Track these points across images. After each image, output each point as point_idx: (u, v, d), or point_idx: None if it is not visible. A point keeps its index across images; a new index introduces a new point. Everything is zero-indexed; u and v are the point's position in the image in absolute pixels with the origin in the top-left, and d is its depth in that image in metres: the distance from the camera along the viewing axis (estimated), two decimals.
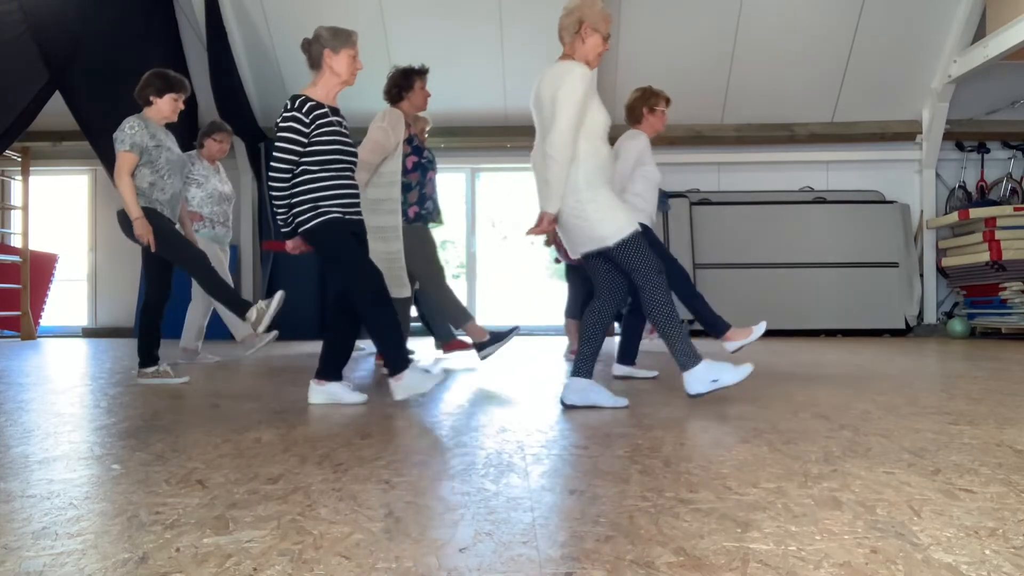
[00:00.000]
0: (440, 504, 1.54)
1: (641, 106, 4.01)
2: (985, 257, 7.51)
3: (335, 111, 3.04)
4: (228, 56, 8.19)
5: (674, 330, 2.91)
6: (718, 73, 8.41)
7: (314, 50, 3.00)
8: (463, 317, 4.29)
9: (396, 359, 2.96)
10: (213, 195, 5.15)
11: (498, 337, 4.25)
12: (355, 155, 3.06)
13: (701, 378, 2.92)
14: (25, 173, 8.71)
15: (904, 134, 8.74)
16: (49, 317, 9.05)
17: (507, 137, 8.84)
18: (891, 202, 8.58)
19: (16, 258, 8.39)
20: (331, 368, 3.09)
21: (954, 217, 7.96)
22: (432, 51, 8.17)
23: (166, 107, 3.97)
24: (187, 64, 8.42)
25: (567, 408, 2.90)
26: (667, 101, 4.05)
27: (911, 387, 3.50)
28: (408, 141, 4.11)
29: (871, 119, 8.77)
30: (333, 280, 3.10)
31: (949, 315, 8.69)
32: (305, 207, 2.96)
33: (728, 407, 2.88)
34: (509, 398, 3.25)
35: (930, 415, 2.66)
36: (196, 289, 5.13)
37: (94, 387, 3.73)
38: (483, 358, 4.35)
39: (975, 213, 7.70)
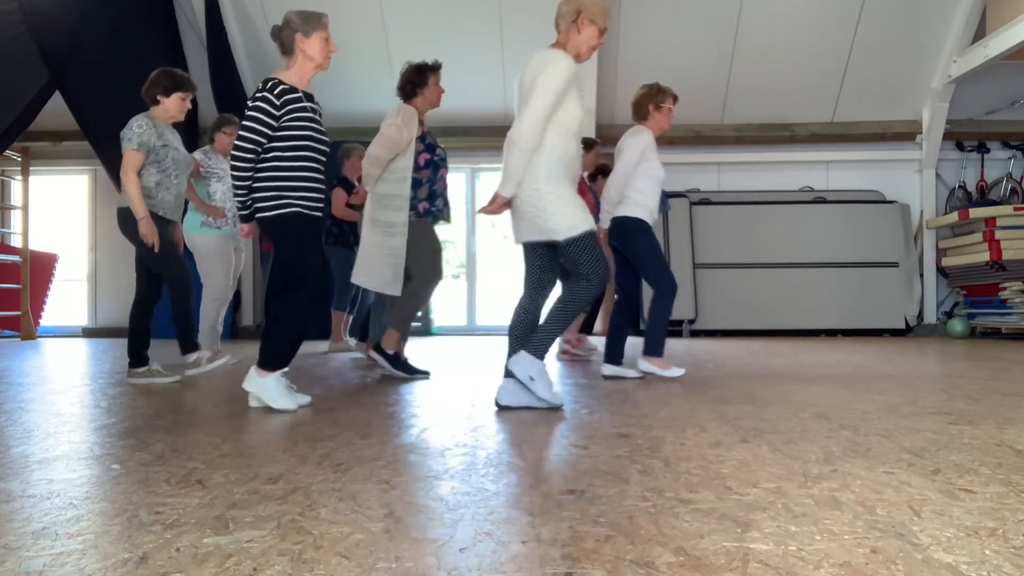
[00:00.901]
0: (440, 504, 1.54)
1: (647, 103, 3.99)
2: (985, 257, 7.51)
3: (309, 97, 2.94)
4: (228, 56, 8.20)
5: (557, 330, 2.88)
6: (718, 73, 8.41)
7: (285, 35, 2.92)
8: (399, 324, 4.10)
9: (275, 358, 2.87)
10: (230, 192, 5.13)
11: (403, 367, 4.07)
12: (327, 145, 2.97)
13: (526, 367, 2.84)
14: (25, 173, 8.71)
15: (904, 134, 8.74)
16: (49, 317, 9.05)
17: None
18: (891, 202, 8.58)
19: (16, 258, 8.39)
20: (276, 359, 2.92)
21: (954, 217, 7.96)
22: (432, 51, 8.15)
23: (173, 106, 3.95)
24: (187, 64, 8.42)
25: (501, 409, 2.88)
26: (674, 99, 4.03)
27: (911, 387, 3.50)
28: (421, 138, 4.09)
29: (871, 119, 8.78)
30: (273, 271, 3.00)
31: (949, 315, 8.69)
32: (268, 194, 2.86)
33: (728, 407, 2.88)
34: None
35: (930, 415, 2.66)
36: (204, 292, 5.10)
37: (94, 387, 3.73)
38: (372, 354, 4.15)
39: (975, 213, 7.70)
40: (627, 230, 3.95)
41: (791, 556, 1.22)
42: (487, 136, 8.76)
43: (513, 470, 1.86)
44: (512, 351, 2.98)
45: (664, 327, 4.01)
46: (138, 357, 3.91)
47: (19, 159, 8.71)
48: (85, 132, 7.84)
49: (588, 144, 5.56)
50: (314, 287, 2.89)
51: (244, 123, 2.83)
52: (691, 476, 1.76)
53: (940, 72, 8.24)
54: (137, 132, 3.77)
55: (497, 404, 2.92)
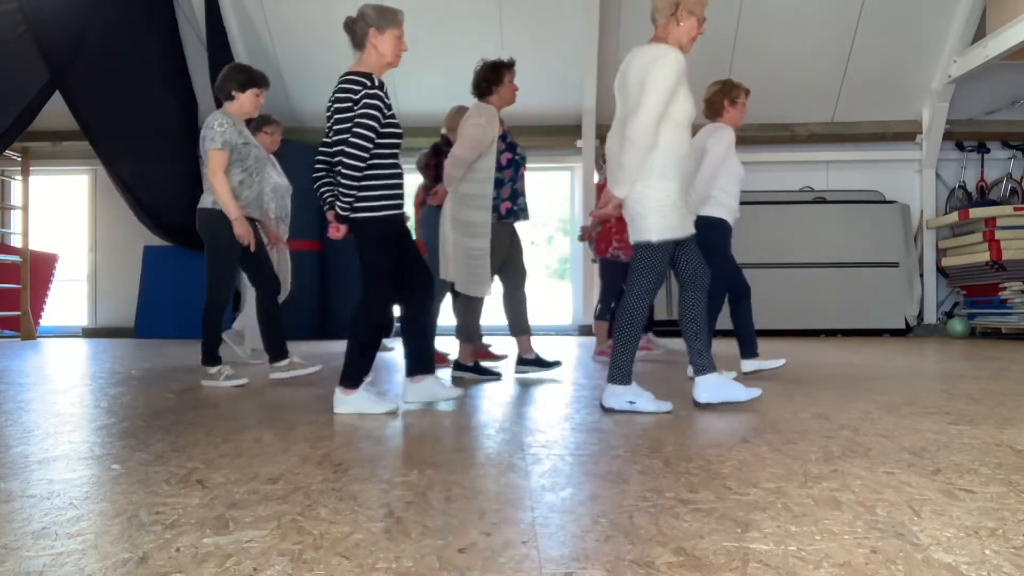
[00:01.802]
0: (440, 504, 1.54)
1: (722, 99, 3.92)
2: (985, 257, 7.50)
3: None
4: (228, 56, 8.19)
5: (630, 349, 2.82)
6: (718, 73, 8.37)
7: (358, 29, 2.82)
8: (522, 329, 4.21)
9: (353, 375, 2.83)
10: (277, 189, 5.07)
11: (540, 363, 4.19)
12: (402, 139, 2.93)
13: (621, 395, 2.81)
14: (25, 173, 8.71)
15: (904, 134, 8.74)
16: (49, 317, 9.05)
17: None
18: (891, 202, 8.58)
19: (16, 258, 8.39)
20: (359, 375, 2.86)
21: (954, 217, 7.96)
22: (432, 51, 8.18)
23: (248, 102, 3.84)
24: (187, 64, 8.42)
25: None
26: (746, 93, 3.96)
27: (911, 387, 3.50)
28: (502, 137, 4.10)
29: (871, 119, 8.77)
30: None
31: (949, 315, 8.69)
32: (369, 194, 2.78)
33: (728, 407, 2.88)
34: (510, 398, 3.25)
35: (930, 415, 2.66)
36: (249, 294, 5.06)
37: (94, 387, 3.73)
38: (455, 373, 4.21)
39: (975, 213, 7.70)
40: (710, 229, 3.90)
41: (791, 556, 1.22)
42: None
43: (513, 470, 1.86)
44: (695, 360, 2.90)
45: (751, 327, 3.97)
46: (211, 356, 3.78)
47: (19, 159, 8.71)
48: (85, 132, 7.84)
49: None
50: (392, 297, 2.84)
51: (362, 122, 2.72)
52: (691, 476, 1.76)
53: (940, 72, 8.24)
54: (219, 131, 3.65)
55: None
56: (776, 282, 8.32)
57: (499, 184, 4.07)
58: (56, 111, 7.59)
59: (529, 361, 4.20)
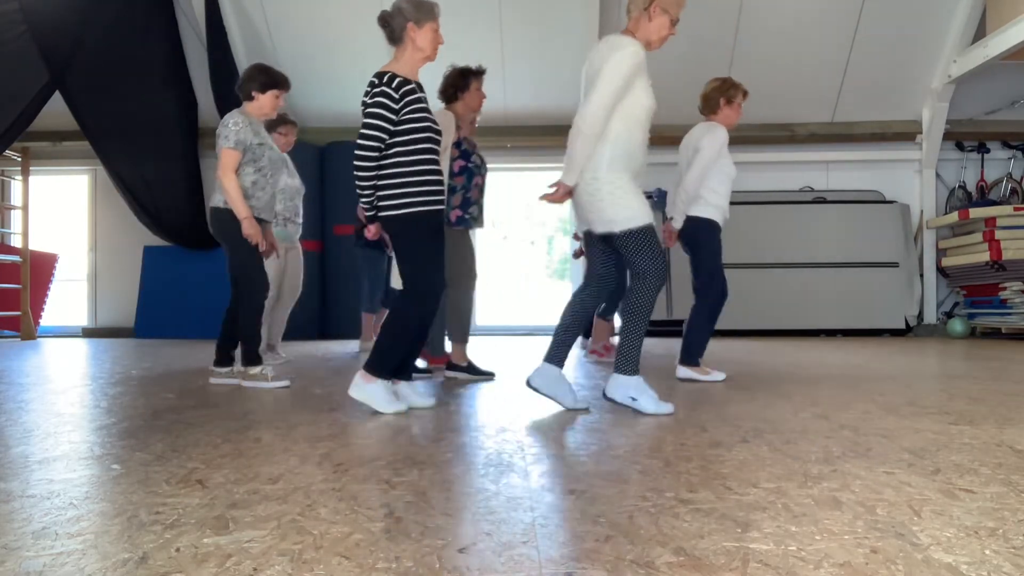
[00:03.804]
0: (440, 504, 1.54)
1: (719, 97, 3.89)
2: (985, 257, 7.51)
3: (421, 87, 2.86)
4: (228, 56, 8.20)
5: (636, 337, 2.81)
6: (718, 73, 8.35)
7: (396, 23, 2.80)
8: (462, 336, 4.10)
9: (383, 364, 2.82)
10: (287, 190, 5.06)
11: (472, 371, 4.06)
12: (440, 135, 2.90)
13: (624, 387, 2.81)
14: (25, 173, 8.71)
15: (904, 134, 8.74)
16: (49, 317, 9.06)
17: (507, 137, 8.84)
18: (891, 202, 8.58)
19: (16, 258, 8.39)
20: (386, 365, 2.84)
21: (954, 217, 7.96)
22: None
23: (268, 103, 3.83)
24: (187, 64, 8.43)
25: (530, 388, 2.89)
26: (744, 94, 3.92)
27: (911, 387, 3.50)
28: (457, 144, 4.06)
29: (871, 119, 8.78)
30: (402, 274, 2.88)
31: (949, 315, 8.69)
32: (392, 192, 2.77)
33: (728, 407, 2.88)
34: (509, 398, 3.25)
35: (930, 415, 2.66)
36: (280, 290, 5.04)
37: (94, 387, 3.73)
38: (448, 373, 4.11)
39: (975, 213, 7.70)
40: (698, 230, 3.84)
41: (791, 556, 1.22)
42: (487, 136, 8.76)
43: (513, 470, 1.86)
44: (553, 352, 2.92)
45: (704, 333, 3.84)
46: (255, 355, 3.73)
47: (19, 159, 8.71)
48: (85, 132, 7.85)
49: None
50: (431, 293, 2.81)
51: (366, 122, 2.73)
52: (691, 476, 1.76)
53: (940, 72, 8.24)
54: (234, 130, 3.63)
55: (528, 384, 2.90)
56: (776, 282, 8.32)
57: (450, 192, 4.04)
58: (56, 111, 7.60)
59: (460, 368, 4.07)
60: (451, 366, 4.09)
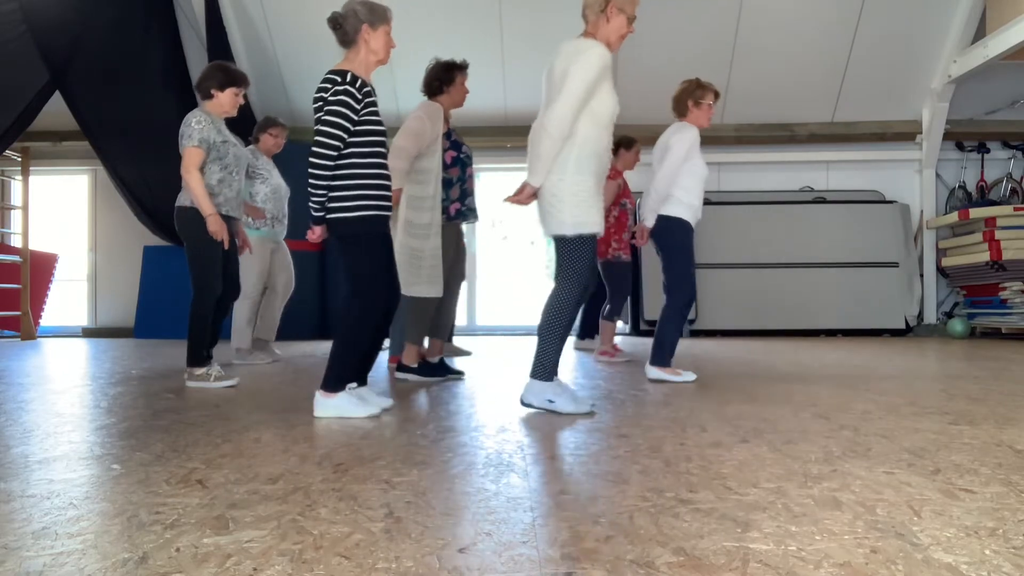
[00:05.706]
0: (440, 504, 1.54)
1: (687, 99, 3.91)
2: (985, 257, 7.51)
3: (374, 90, 2.83)
4: (228, 56, 8.19)
5: (554, 341, 2.82)
6: (718, 73, 8.41)
7: (349, 25, 2.76)
8: (418, 337, 3.99)
9: (338, 378, 2.76)
10: (278, 191, 5.11)
11: (439, 370, 3.97)
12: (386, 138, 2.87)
13: (541, 391, 2.81)
14: (25, 173, 8.71)
15: (904, 134, 8.75)
16: (49, 317, 9.05)
17: (507, 137, 8.84)
18: (891, 202, 8.58)
19: (16, 258, 8.39)
20: (345, 376, 2.79)
21: (954, 217, 7.96)
22: (432, 52, 8.17)
23: (227, 101, 3.85)
24: (187, 64, 8.42)
25: (525, 407, 2.86)
26: (715, 95, 3.93)
27: (911, 387, 3.50)
28: (447, 135, 4.05)
29: (871, 119, 8.78)
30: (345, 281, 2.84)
31: (949, 315, 8.69)
32: (346, 194, 2.72)
33: (728, 407, 2.88)
34: (509, 398, 3.25)
35: (930, 415, 2.66)
36: (244, 289, 5.04)
37: (94, 387, 3.73)
38: (399, 374, 4.00)
39: (975, 213, 7.70)
40: (669, 230, 3.83)
41: (791, 556, 1.22)
42: (487, 136, 8.76)
43: (513, 470, 1.86)
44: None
45: (674, 333, 3.82)
46: (196, 357, 3.75)
47: (19, 159, 8.71)
48: (85, 132, 7.84)
49: (629, 143, 5.50)
50: (379, 300, 2.76)
51: (327, 120, 2.67)
52: (691, 476, 1.76)
53: (940, 72, 8.24)
54: (197, 128, 3.67)
55: (522, 403, 2.86)
56: (776, 282, 8.33)
57: (448, 184, 4.02)
58: (56, 111, 7.60)
59: (414, 369, 3.98)
60: (401, 367, 3.98)
